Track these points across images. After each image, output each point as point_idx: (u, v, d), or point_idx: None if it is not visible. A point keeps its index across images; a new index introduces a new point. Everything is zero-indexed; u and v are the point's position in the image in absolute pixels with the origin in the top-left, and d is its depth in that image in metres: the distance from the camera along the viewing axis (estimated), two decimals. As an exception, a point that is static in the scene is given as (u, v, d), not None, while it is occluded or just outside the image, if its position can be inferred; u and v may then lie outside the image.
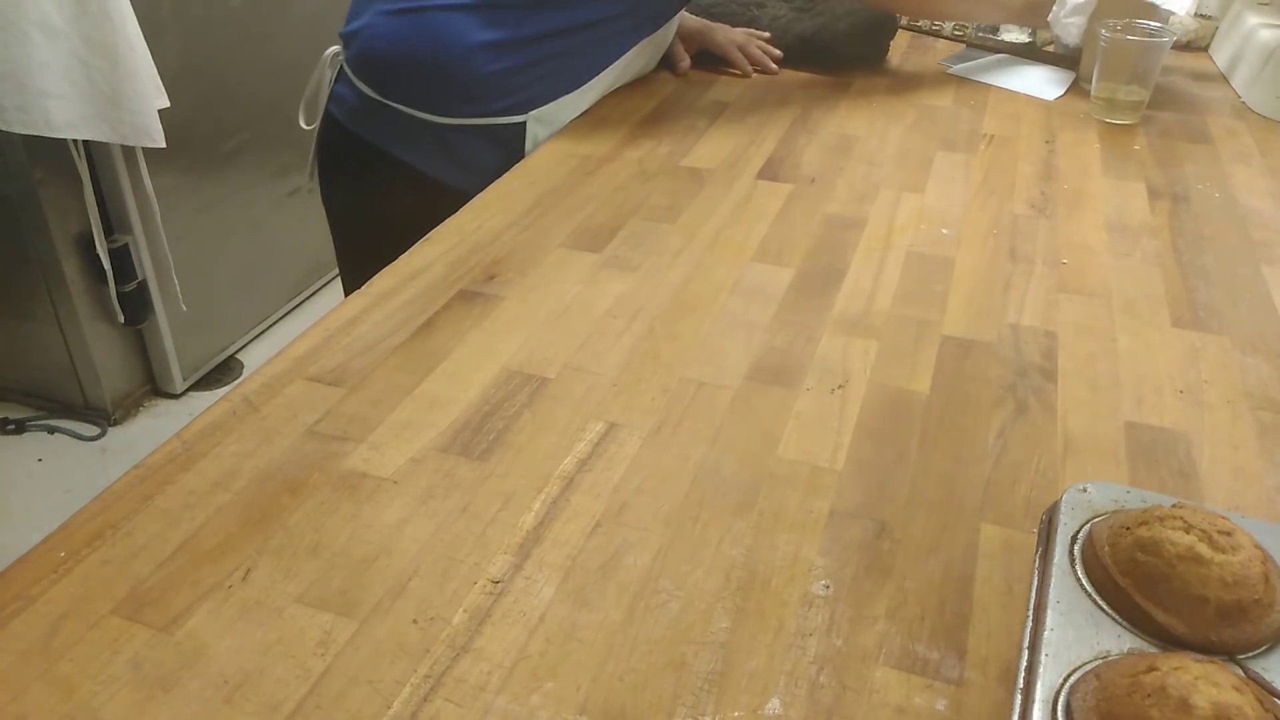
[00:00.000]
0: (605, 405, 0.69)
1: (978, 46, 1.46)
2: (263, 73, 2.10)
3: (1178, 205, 1.00)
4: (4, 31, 1.42)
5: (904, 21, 1.54)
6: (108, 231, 1.83)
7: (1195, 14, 1.49)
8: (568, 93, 1.13)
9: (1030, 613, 0.49)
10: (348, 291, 1.03)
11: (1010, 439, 0.67)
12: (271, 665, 0.50)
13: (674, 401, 0.70)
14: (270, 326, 2.27)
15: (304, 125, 1.18)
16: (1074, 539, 0.52)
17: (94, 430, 1.96)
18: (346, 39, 1.12)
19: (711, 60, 1.37)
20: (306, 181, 1.23)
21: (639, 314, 0.80)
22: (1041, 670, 0.45)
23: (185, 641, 0.51)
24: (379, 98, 1.08)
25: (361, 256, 0.96)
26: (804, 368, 0.74)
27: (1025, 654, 0.47)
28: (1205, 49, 1.47)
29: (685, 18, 1.34)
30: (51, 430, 1.96)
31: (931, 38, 1.52)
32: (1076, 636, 0.46)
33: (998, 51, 1.43)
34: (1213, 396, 0.72)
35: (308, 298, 2.38)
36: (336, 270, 2.45)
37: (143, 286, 1.91)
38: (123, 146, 1.72)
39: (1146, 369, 0.74)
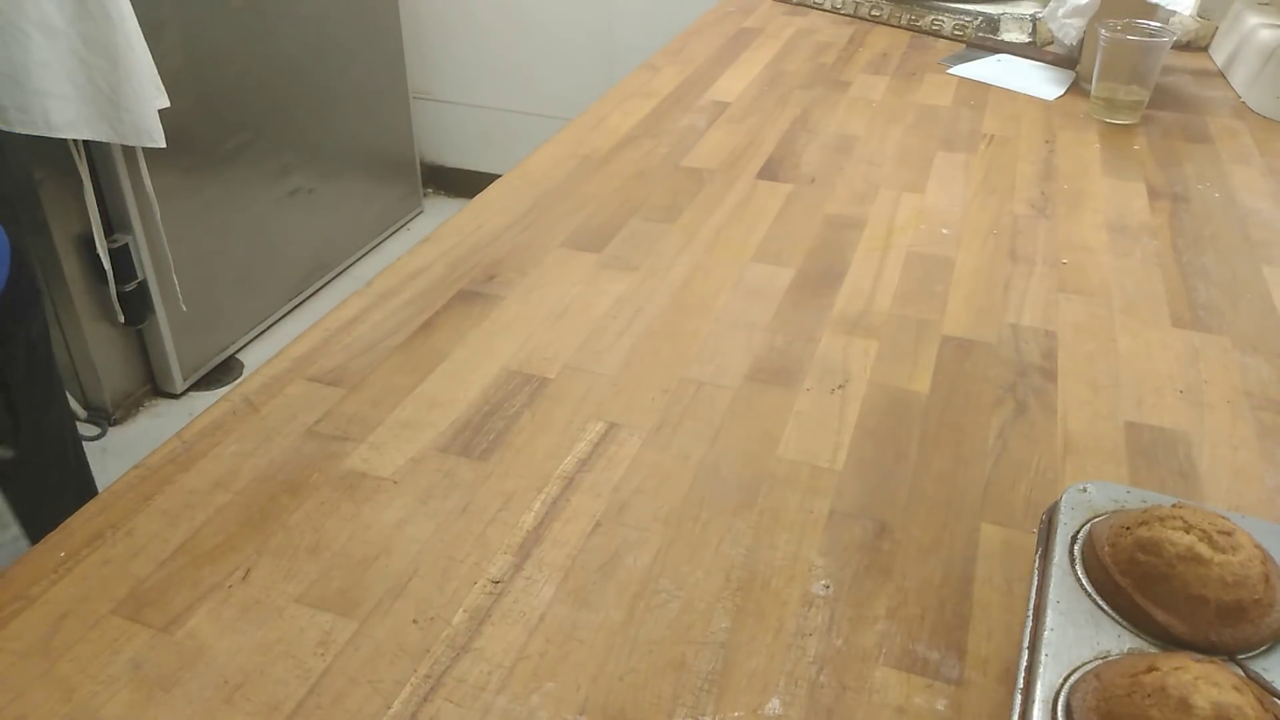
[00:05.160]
0: (605, 405, 0.69)
1: (978, 46, 1.46)
2: (263, 73, 2.10)
3: (1178, 205, 1.00)
4: (4, 31, 1.42)
5: (903, 21, 1.54)
6: (108, 231, 1.83)
7: (1195, 14, 1.48)
8: None
9: (1030, 613, 0.49)
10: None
11: (1010, 439, 0.67)
12: (271, 665, 0.50)
13: (674, 401, 0.70)
14: (270, 326, 2.27)
15: None
16: (1074, 539, 0.52)
17: (94, 430, 1.96)
18: None
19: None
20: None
21: (639, 314, 0.80)
22: (1041, 670, 0.45)
23: (185, 641, 0.51)
24: None
25: None
26: (804, 368, 0.74)
27: (1025, 654, 0.47)
28: (1205, 49, 1.47)
29: None
30: (51, 430, 1.96)
31: (931, 38, 1.52)
32: (1076, 636, 0.46)
33: (998, 51, 1.43)
34: (1213, 396, 0.72)
35: (308, 298, 2.38)
36: (336, 270, 2.46)
37: (143, 286, 1.91)
38: (123, 146, 1.72)
39: (1146, 369, 0.74)
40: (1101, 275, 0.87)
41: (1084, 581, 0.49)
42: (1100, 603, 0.48)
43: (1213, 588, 0.45)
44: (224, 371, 2.15)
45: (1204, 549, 0.46)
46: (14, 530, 0.87)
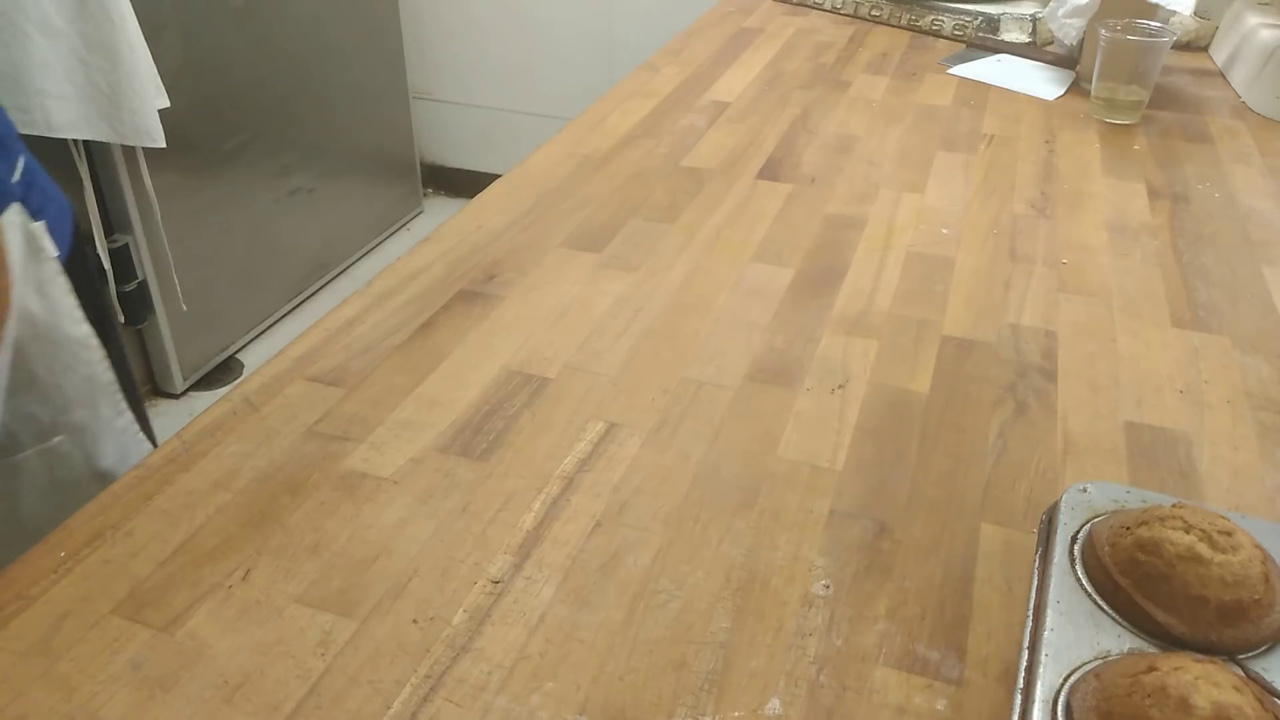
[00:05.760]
0: (605, 405, 0.69)
1: (978, 46, 1.46)
2: (263, 73, 2.10)
3: (1178, 205, 1.00)
4: (4, 31, 1.42)
5: (903, 21, 1.54)
6: (108, 231, 1.83)
7: (1195, 14, 1.48)
8: None
9: (1030, 613, 0.49)
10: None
11: (1010, 439, 0.67)
12: (271, 665, 0.50)
13: (674, 401, 0.70)
14: (270, 326, 2.27)
15: None
16: (1074, 539, 0.52)
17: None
18: None
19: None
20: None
21: (639, 314, 0.80)
22: (1041, 670, 0.45)
23: (185, 641, 0.51)
24: None
25: None
26: (804, 368, 0.74)
27: (1025, 654, 0.47)
28: (1205, 49, 1.47)
29: None
30: (51, 430, 1.96)
31: (931, 38, 1.52)
32: (1076, 636, 0.46)
33: (998, 51, 1.43)
34: (1213, 396, 0.72)
35: (308, 298, 2.38)
36: (336, 270, 2.46)
37: (143, 286, 1.91)
38: (123, 146, 1.72)
39: (1146, 369, 0.74)
40: (1101, 275, 0.87)
41: (1084, 581, 0.49)
42: (1100, 603, 0.48)
43: (1213, 588, 0.45)
44: (224, 371, 2.15)
45: (1204, 549, 0.46)
46: (128, 417, 0.95)
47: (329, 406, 0.69)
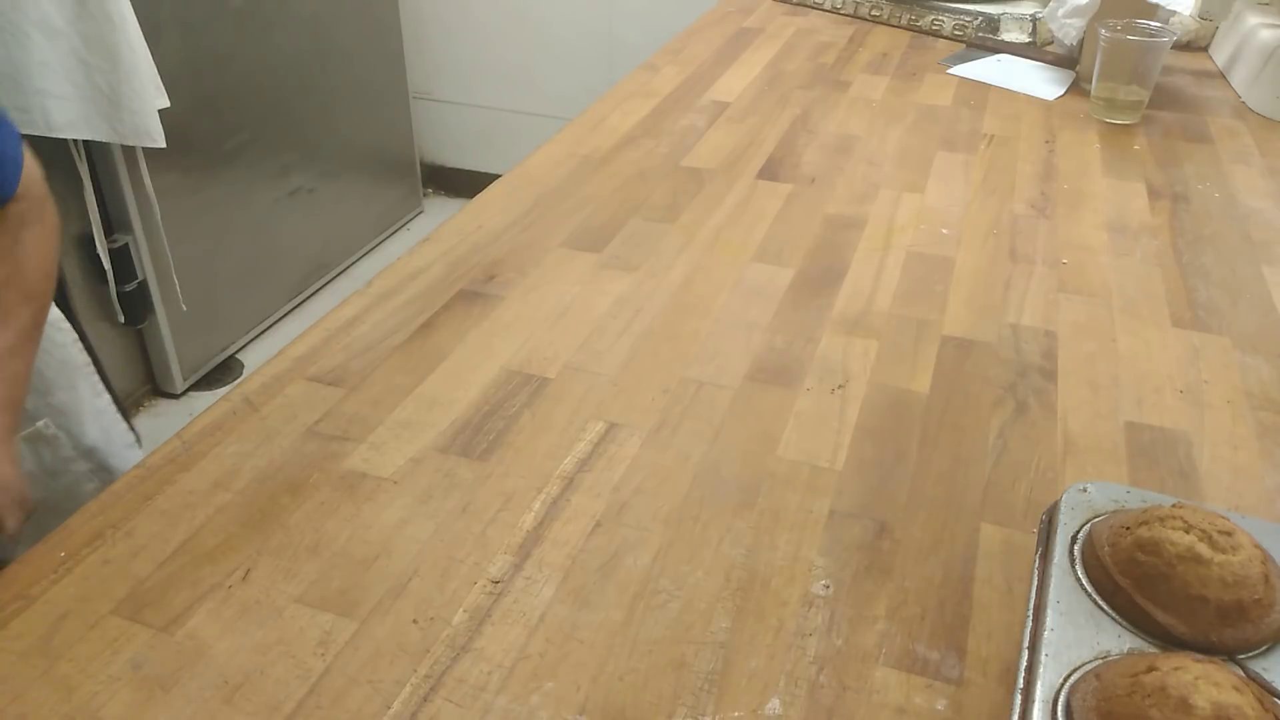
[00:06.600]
0: (605, 405, 0.69)
1: (978, 46, 1.46)
2: (263, 73, 2.09)
3: (1178, 205, 1.00)
4: (4, 31, 1.42)
5: (904, 21, 1.54)
6: (108, 231, 1.83)
7: (1195, 14, 1.48)
8: None
9: (1030, 613, 0.49)
10: None
11: (1010, 439, 0.67)
12: (271, 665, 0.50)
13: (674, 401, 0.70)
14: (270, 326, 2.27)
15: None
16: (1074, 539, 0.52)
17: (94, 430, 1.95)
18: None
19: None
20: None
21: (639, 314, 0.80)
22: (1041, 670, 0.45)
23: (185, 641, 0.51)
24: None
25: None
26: (804, 368, 0.74)
27: (1025, 654, 0.47)
28: (1205, 49, 1.47)
29: None
30: (51, 430, 1.95)
31: (931, 38, 1.52)
32: (1076, 636, 0.46)
33: (998, 51, 1.43)
34: (1213, 396, 0.72)
35: (308, 298, 2.38)
36: (336, 270, 2.46)
37: (143, 286, 1.91)
38: (123, 146, 1.72)
39: (1146, 369, 0.74)
40: (1101, 275, 0.87)
41: (1084, 581, 0.49)
42: (1100, 603, 0.48)
43: (1213, 588, 0.45)
44: (224, 371, 2.15)
45: (1204, 549, 0.46)
46: (106, 398, 0.96)
47: (329, 406, 0.69)
